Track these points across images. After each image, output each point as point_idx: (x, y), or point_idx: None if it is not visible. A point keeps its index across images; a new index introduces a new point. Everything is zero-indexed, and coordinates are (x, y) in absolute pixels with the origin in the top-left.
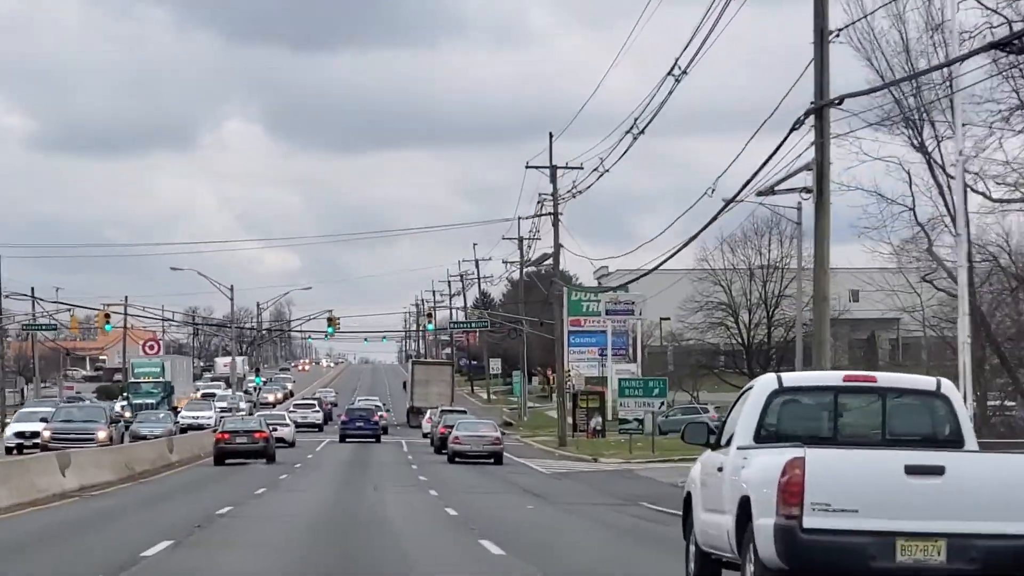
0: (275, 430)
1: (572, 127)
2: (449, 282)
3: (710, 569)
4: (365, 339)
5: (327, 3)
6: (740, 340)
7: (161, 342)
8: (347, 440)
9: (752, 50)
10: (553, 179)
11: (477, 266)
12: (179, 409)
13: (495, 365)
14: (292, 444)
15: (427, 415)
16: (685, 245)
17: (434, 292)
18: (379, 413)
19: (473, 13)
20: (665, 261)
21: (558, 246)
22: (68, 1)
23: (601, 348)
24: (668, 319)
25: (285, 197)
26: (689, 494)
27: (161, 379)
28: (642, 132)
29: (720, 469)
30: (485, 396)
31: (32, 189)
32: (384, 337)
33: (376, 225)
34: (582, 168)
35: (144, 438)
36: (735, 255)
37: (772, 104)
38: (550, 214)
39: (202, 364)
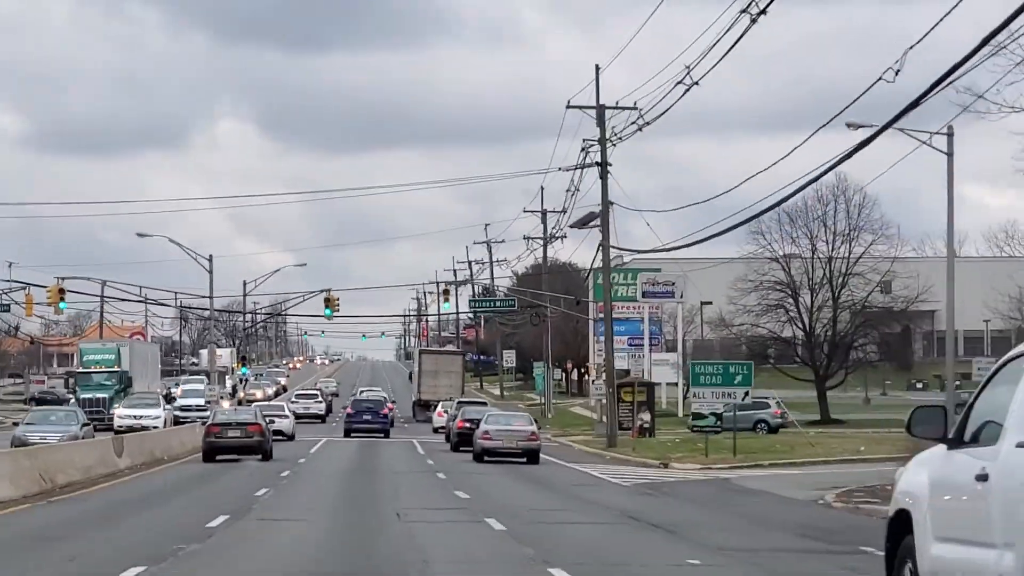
0: (272, 422)
1: (572, 130)
2: (454, 272)
3: None
4: (363, 336)
5: (320, 3)
6: (801, 325)
7: (149, 336)
8: (352, 435)
9: None
10: (601, 121)
11: (489, 251)
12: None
13: (508, 358)
14: (292, 437)
15: (438, 408)
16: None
17: (455, 271)
18: (388, 405)
19: (466, 13)
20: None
21: (607, 203)
22: (60, 1)
23: (632, 337)
24: (710, 303)
25: (279, 197)
26: (904, 514)
27: (116, 368)
28: (696, 84)
29: (982, 477)
30: (497, 392)
31: (26, 189)
32: (383, 333)
33: (370, 225)
34: (636, 109)
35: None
36: (794, 226)
37: None
38: (596, 164)
39: (192, 360)
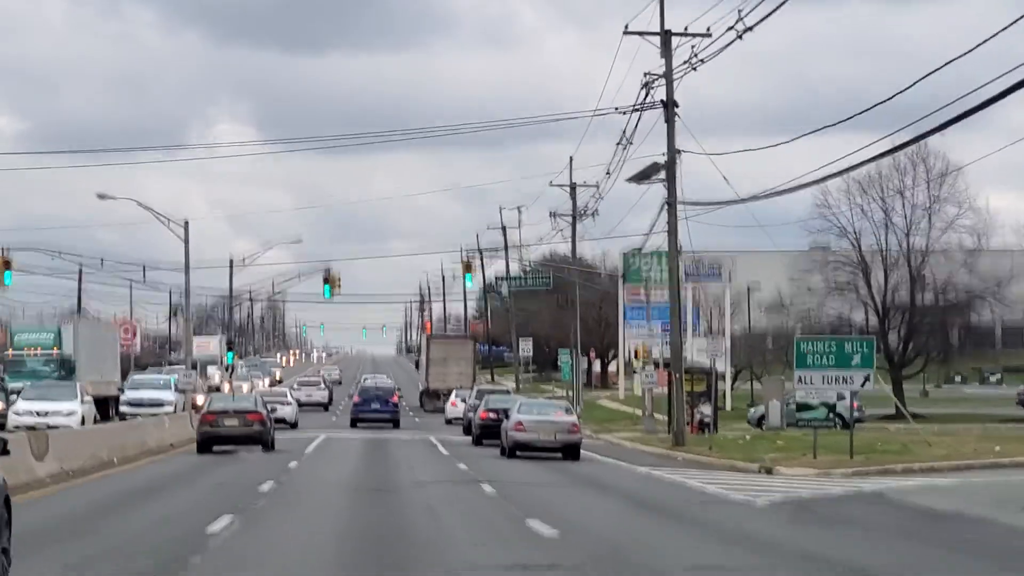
0: (274, 410)
1: (573, 130)
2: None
3: None
4: (363, 330)
5: (316, 4)
6: (873, 306)
7: (138, 330)
8: (359, 425)
9: None
10: (666, 50)
11: (503, 234)
12: (88, 394)
13: (525, 347)
14: (295, 425)
15: (452, 398)
16: None
17: (479, 246)
18: (396, 393)
19: (464, 13)
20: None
21: (674, 151)
22: (55, 0)
23: (666, 324)
24: (759, 284)
25: (276, 198)
26: None
27: (55, 352)
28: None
29: None
30: (512, 384)
31: (20, 189)
32: (384, 327)
33: (367, 226)
34: (708, 35)
35: None
36: (866, 196)
37: None
38: (660, 104)
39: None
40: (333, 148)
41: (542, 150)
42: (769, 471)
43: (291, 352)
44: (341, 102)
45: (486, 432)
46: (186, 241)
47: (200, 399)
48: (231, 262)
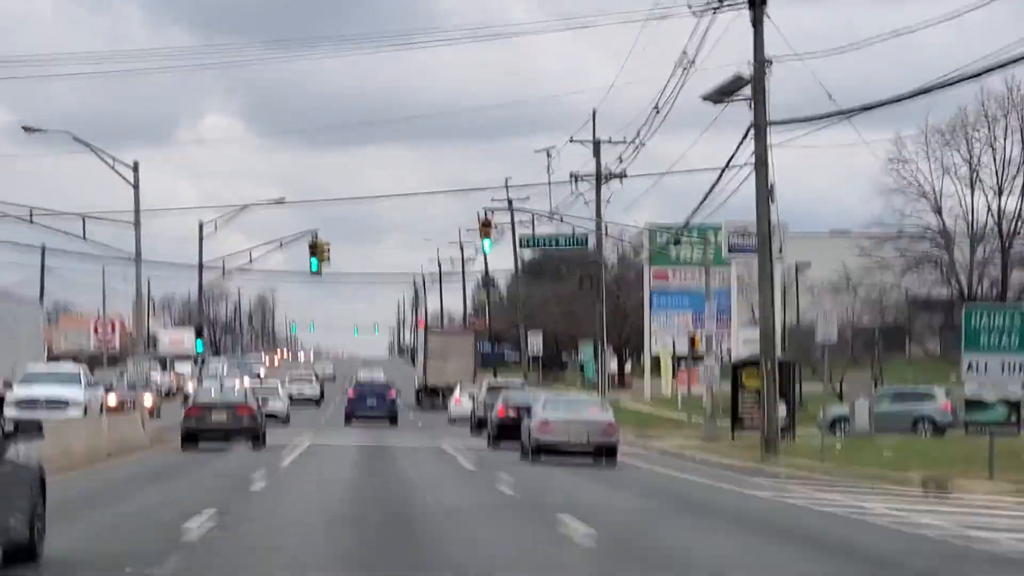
0: (265, 403)
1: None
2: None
3: None
4: (355, 329)
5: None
6: (957, 284)
7: (118, 324)
8: (354, 421)
9: None
10: None
11: (510, 208)
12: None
13: (535, 342)
14: (287, 420)
15: (455, 395)
16: None
17: (509, 200)
18: (393, 390)
19: (453, 9)
20: None
21: (762, 60)
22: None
23: (700, 313)
24: (808, 264)
25: (266, 192)
26: None
27: None
28: None
29: None
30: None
31: (9, 182)
32: (376, 326)
33: (358, 221)
34: None
35: None
36: (948, 149)
37: None
38: (745, 4)
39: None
40: (323, 143)
41: (535, 144)
42: (942, 489)
43: (278, 352)
44: (330, 96)
45: (504, 432)
46: (136, 186)
47: (149, 399)
48: (200, 226)
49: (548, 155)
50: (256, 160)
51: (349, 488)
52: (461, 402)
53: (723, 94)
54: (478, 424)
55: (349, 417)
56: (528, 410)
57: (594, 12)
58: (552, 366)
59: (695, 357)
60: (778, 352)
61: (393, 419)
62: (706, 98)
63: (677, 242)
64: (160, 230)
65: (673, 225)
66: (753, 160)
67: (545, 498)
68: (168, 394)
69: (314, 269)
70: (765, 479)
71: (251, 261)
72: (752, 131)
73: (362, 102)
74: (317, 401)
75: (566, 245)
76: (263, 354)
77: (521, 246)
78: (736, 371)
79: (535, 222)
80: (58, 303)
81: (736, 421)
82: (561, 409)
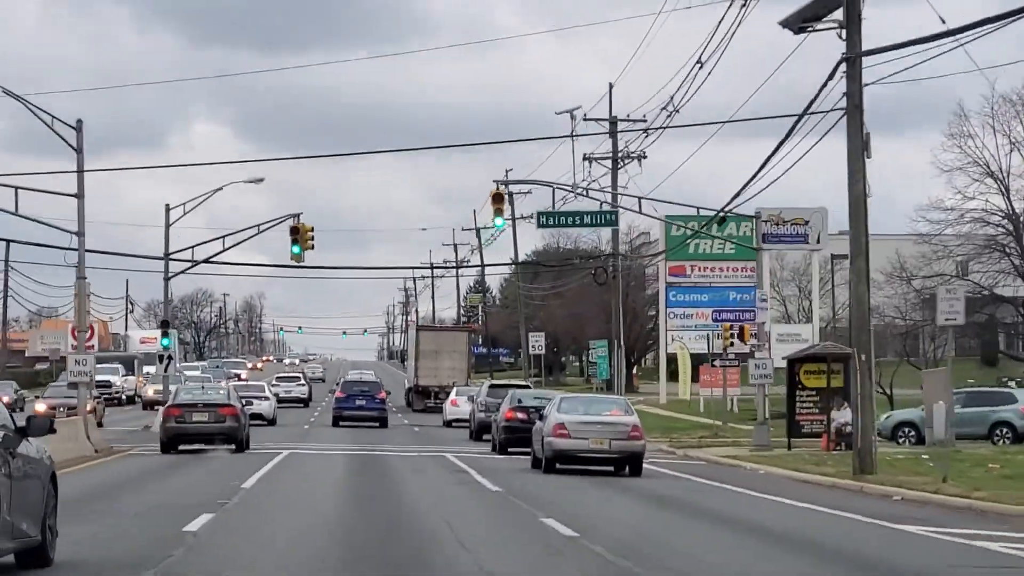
0: (249, 404)
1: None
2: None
3: None
4: (343, 333)
5: (295, 6)
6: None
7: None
8: (342, 423)
9: None
10: None
11: (511, 202)
12: None
13: (536, 342)
14: (273, 422)
15: (452, 396)
16: None
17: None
18: (383, 390)
19: (442, 17)
20: None
21: None
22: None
23: (720, 310)
24: (847, 256)
25: (254, 201)
26: None
27: None
28: None
29: None
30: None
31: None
32: (365, 331)
33: (347, 230)
34: None
35: None
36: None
37: None
38: None
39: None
40: (313, 150)
41: (524, 153)
42: None
43: (264, 356)
44: (320, 104)
45: (513, 438)
46: (79, 150)
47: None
48: (166, 209)
49: (572, 117)
50: (246, 167)
51: (332, 529)
52: (459, 404)
53: (806, 19)
54: (479, 429)
55: (337, 419)
56: (539, 412)
57: (589, 19)
58: (552, 368)
59: (725, 354)
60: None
61: (383, 421)
62: (785, 24)
63: (723, 221)
64: (148, 235)
65: (692, 216)
66: (844, 103)
67: (634, 546)
68: (127, 401)
69: (296, 253)
70: (882, 504)
71: (224, 249)
72: (842, 66)
73: (352, 110)
74: (305, 402)
75: (592, 223)
76: (245, 358)
77: (539, 225)
78: (793, 368)
79: (554, 198)
80: (43, 308)
81: (793, 427)
82: (579, 410)
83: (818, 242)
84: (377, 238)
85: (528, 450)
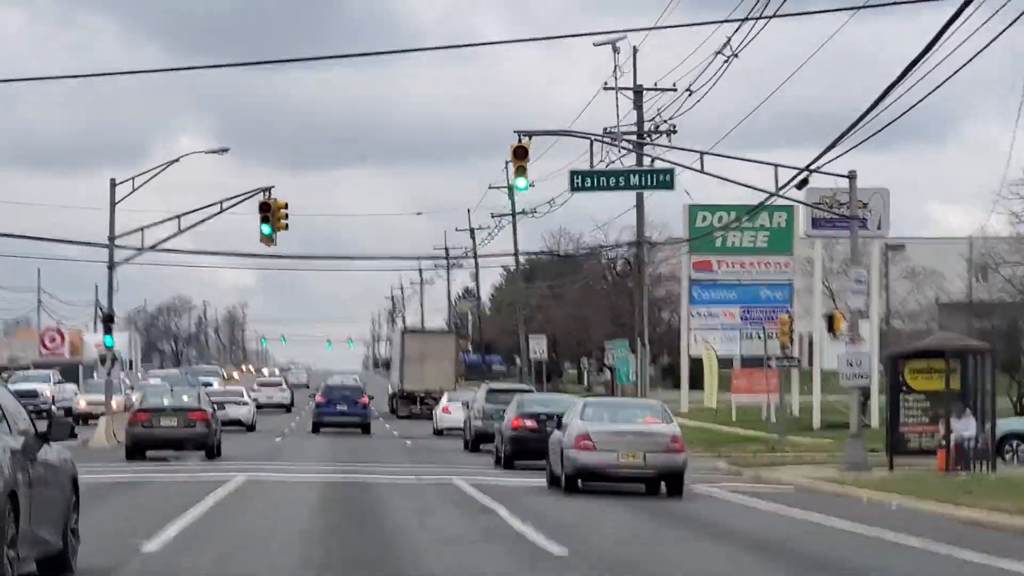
0: (221, 408)
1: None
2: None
3: None
4: (328, 343)
5: (278, 18)
6: None
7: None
8: (323, 430)
9: None
10: None
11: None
12: None
13: (538, 346)
14: (252, 428)
15: (443, 403)
16: None
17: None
18: (365, 395)
19: (427, 29)
20: None
21: None
22: (11, 13)
23: (749, 307)
24: (903, 247)
25: (239, 213)
26: None
27: None
28: None
29: None
30: None
31: None
32: (350, 340)
33: (330, 242)
34: None
35: None
36: None
37: None
38: None
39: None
40: (297, 161)
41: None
42: None
43: (245, 366)
44: (304, 115)
45: (521, 449)
46: None
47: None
48: (112, 185)
49: (615, 50)
50: (230, 179)
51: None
52: (451, 411)
53: None
54: (475, 439)
55: (317, 425)
56: (550, 419)
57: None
58: (551, 375)
59: (784, 354)
60: (871, 358)
61: (366, 427)
62: None
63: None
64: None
65: (719, 206)
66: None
67: None
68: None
69: (266, 233)
70: None
71: (180, 231)
72: None
73: (338, 121)
74: (288, 407)
75: (641, 184)
76: (221, 365)
77: (573, 189)
78: (896, 366)
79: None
80: (21, 318)
81: (896, 441)
82: (606, 418)
83: (879, 228)
84: (365, 248)
85: (538, 463)
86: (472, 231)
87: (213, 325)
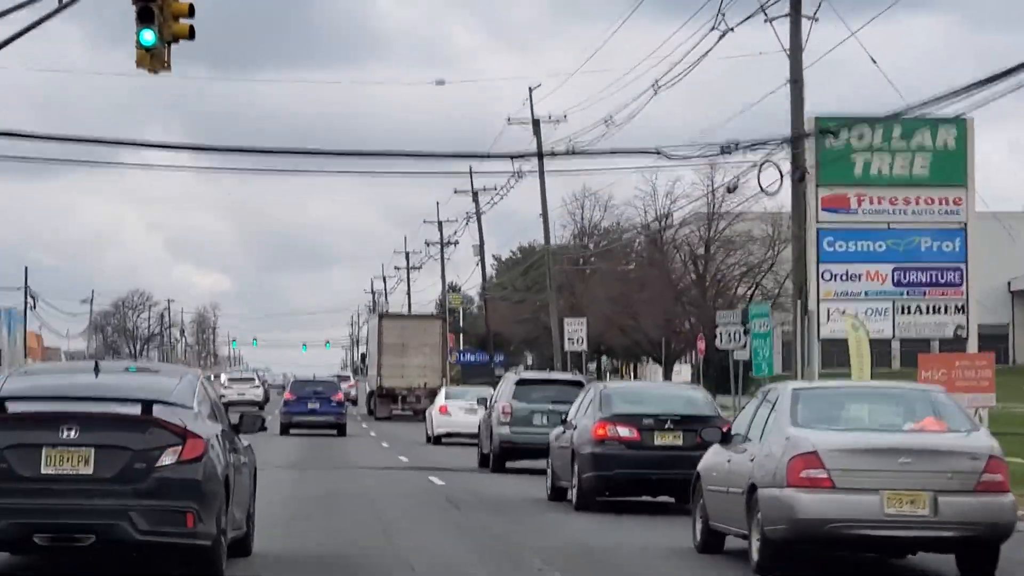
0: None
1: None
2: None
3: None
4: (303, 346)
5: (250, 24)
6: None
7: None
8: (292, 431)
9: None
10: None
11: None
12: None
13: (577, 332)
14: None
15: (440, 403)
16: None
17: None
18: (340, 392)
19: (398, 36)
20: None
21: None
22: None
23: (903, 268)
24: None
25: (212, 220)
26: None
27: None
28: None
29: None
30: None
31: None
32: (328, 343)
33: (304, 248)
34: None
35: None
36: None
37: None
38: None
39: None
40: (268, 169)
41: (477, 170)
42: None
43: (212, 371)
44: (276, 122)
45: (612, 477)
46: None
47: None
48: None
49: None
50: (200, 185)
51: None
52: (450, 412)
53: None
54: (502, 454)
55: (286, 426)
56: (664, 423)
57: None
58: (584, 372)
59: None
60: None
61: (341, 428)
62: None
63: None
64: (115, 258)
65: (864, 118)
66: None
67: None
68: None
69: (147, 44)
70: None
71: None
72: None
73: (307, 126)
74: (260, 404)
75: None
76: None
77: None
78: None
79: None
80: None
81: None
82: (846, 419)
83: None
84: (336, 256)
85: (641, 499)
86: (474, 195)
87: (179, 327)
